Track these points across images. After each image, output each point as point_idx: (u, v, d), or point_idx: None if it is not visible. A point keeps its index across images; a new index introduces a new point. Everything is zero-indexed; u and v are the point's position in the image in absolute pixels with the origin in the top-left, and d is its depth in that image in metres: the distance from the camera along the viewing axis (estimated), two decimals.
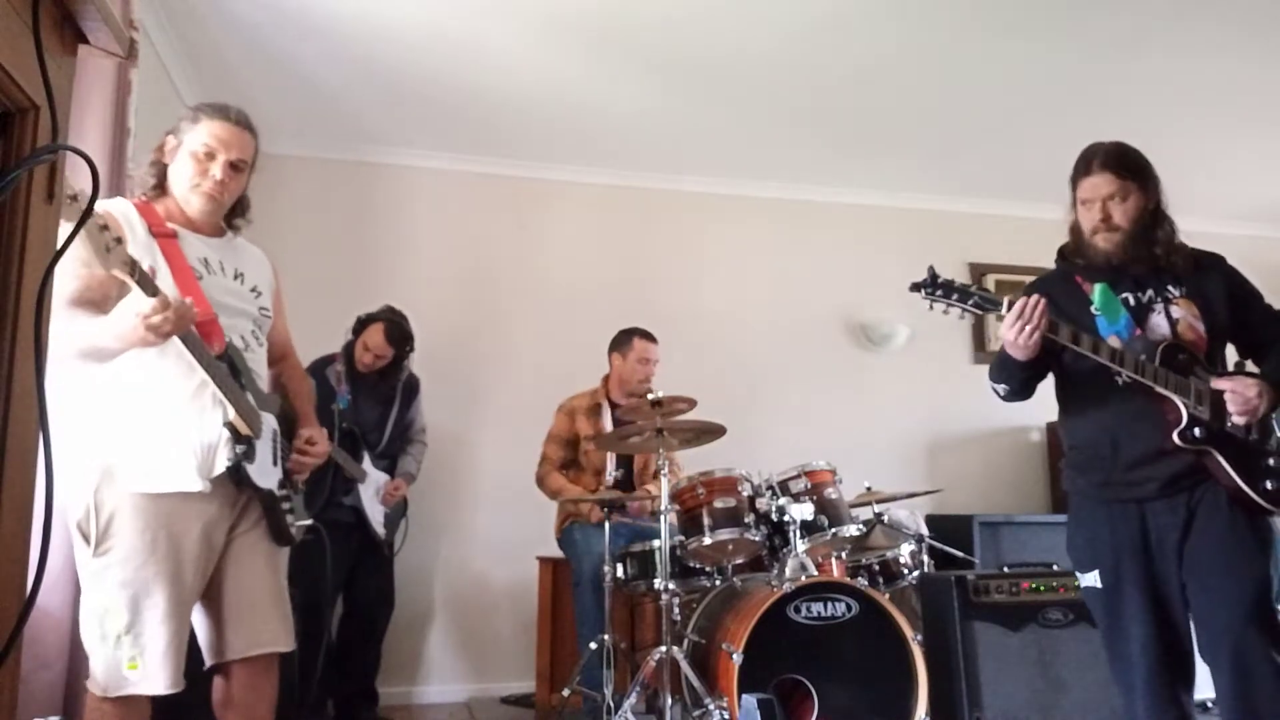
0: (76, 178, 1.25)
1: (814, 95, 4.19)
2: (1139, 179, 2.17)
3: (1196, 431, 2.03)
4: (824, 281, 5.24)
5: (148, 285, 1.73)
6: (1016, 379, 2.22)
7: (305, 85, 4.07)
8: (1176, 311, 2.15)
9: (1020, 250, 5.31)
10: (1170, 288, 2.18)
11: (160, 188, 2.05)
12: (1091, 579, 2.15)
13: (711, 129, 4.54)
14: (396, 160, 4.77)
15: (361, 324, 3.76)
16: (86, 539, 1.85)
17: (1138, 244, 2.16)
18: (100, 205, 1.89)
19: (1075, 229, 2.25)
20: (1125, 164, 2.17)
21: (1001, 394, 2.29)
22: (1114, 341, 2.12)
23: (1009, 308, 2.06)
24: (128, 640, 1.83)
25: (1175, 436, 2.04)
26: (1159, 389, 2.04)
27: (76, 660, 2.36)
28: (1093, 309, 2.17)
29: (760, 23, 3.58)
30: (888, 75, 4.00)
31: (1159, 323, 2.14)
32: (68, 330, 1.78)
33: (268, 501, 2.03)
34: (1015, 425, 5.30)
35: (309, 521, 2.18)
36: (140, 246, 1.91)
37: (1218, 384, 2.04)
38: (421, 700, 4.33)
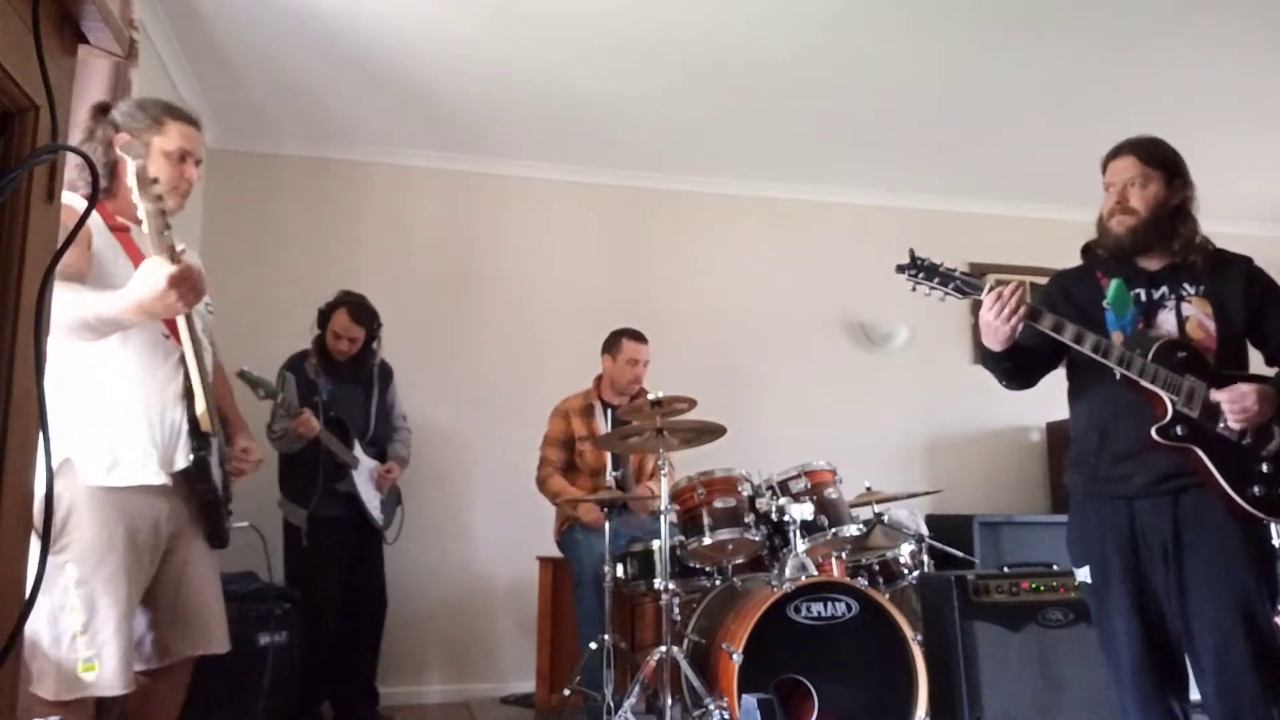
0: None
1: (814, 95, 4.18)
2: (1163, 170, 2.16)
3: (1178, 429, 2.01)
4: (824, 281, 5.23)
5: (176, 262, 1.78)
6: (997, 368, 2.21)
7: (304, 85, 4.07)
8: (1188, 309, 2.13)
9: (1020, 250, 5.31)
10: (1186, 285, 2.15)
11: (111, 189, 1.98)
12: (1083, 575, 2.15)
13: (711, 128, 4.54)
14: (394, 160, 4.76)
15: (324, 314, 3.76)
16: (39, 534, 1.81)
17: (1149, 233, 2.14)
18: (63, 198, 1.91)
19: (1100, 217, 2.24)
20: (1151, 153, 2.17)
21: (1002, 383, 2.28)
22: (1116, 337, 2.11)
23: (989, 292, 2.06)
24: (83, 640, 1.78)
25: (1153, 432, 2.02)
26: (1143, 383, 2.02)
27: None
28: (1104, 303, 2.16)
29: (759, 22, 3.57)
30: (888, 75, 4.00)
31: (1167, 319, 2.13)
32: (68, 302, 1.72)
33: (212, 500, 2.00)
34: (1015, 425, 5.30)
35: (245, 524, 2.18)
36: (104, 241, 1.92)
37: (1215, 395, 2.01)
38: (421, 700, 4.33)
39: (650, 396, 3.23)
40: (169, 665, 1.98)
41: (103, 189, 1.97)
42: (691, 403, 3.26)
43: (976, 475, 5.17)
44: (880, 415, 5.15)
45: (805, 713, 2.91)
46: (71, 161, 2.02)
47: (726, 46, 3.75)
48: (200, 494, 1.98)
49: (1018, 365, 2.20)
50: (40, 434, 0.98)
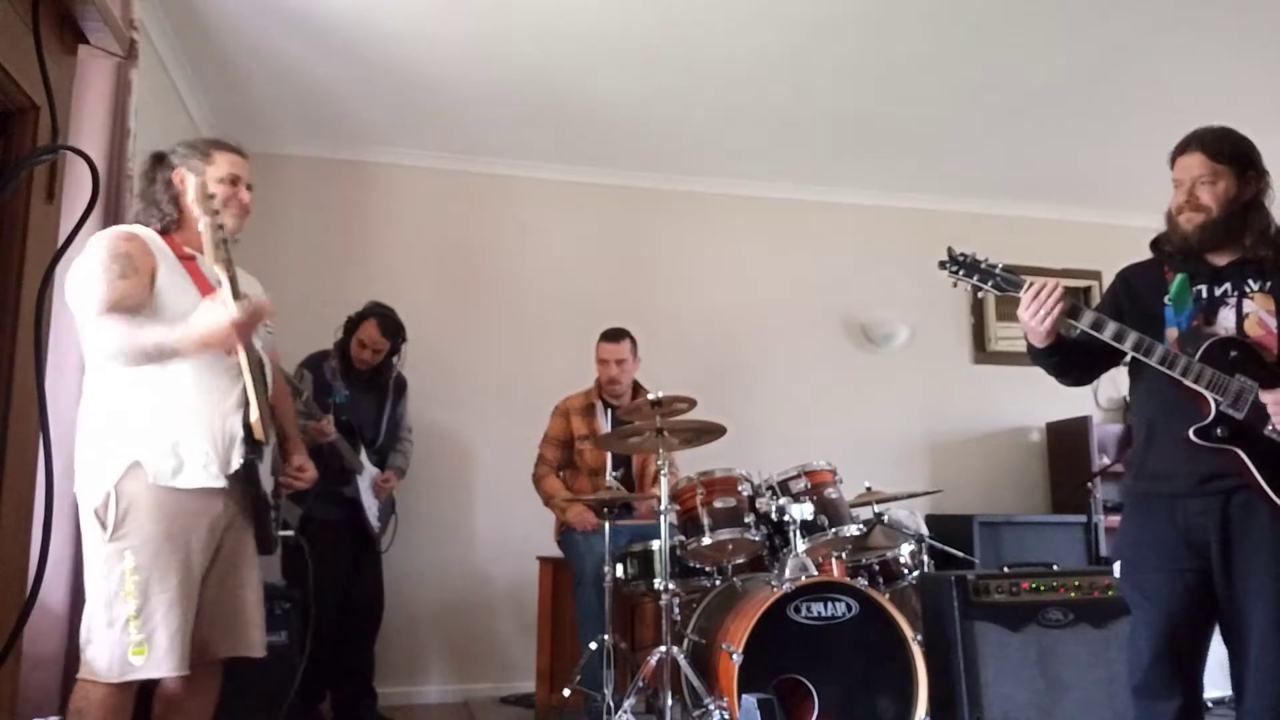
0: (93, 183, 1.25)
1: (814, 95, 4.18)
2: (1234, 166, 2.07)
3: (1219, 431, 1.97)
4: (824, 281, 5.23)
5: (235, 288, 1.95)
6: (1044, 363, 2.19)
7: (304, 85, 4.07)
8: (1248, 306, 2.05)
9: (1020, 250, 5.29)
10: (1251, 281, 2.07)
11: (179, 220, 2.17)
12: (1118, 570, 2.13)
13: (711, 128, 4.53)
14: (395, 160, 4.76)
15: (353, 323, 3.79)
16: (103, 525, 1.91)
17: (1218, 231, 2.06)
18: (131, 229, 2.10)
19: (1169, 212, 2.16)
20: (1221, 148, 2.08)
21: (1054, 377, 2.26)
22: (1171, 333, 2.08)
23: (1026, 289, 2.05)
24: (135, 625, 1.89)
25: (1191, 433, 1.98)
26: (1186, 382, 1.98)
27: (74, 659, 2.36)
28: (1165, 299, 2.12)
29: (761, 23, 3.57)
30: (887, 75, 4.00)
31: (1226, 316, 2.07)
32: (125, 332, 1.91)
33: (262, 506, 2.12)
34: (1015, 425, 5.29)
35: (290, 532, 2.29)
36: (171, 268, 2.07)
37: (1264, 395, 1.96)
38: (421, 700, 4.33)
39: (650, 396, 3.23)
40: (202, 666, 2.04)
41: (173, 222, 2.17)
42: (691, 403, 3.26)
43: (976, 475, 5.17)
44: (880, 415, 5.14)
45: (805, 713, 2.90)
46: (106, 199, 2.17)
47: (726, 46, 3.75)
48: (248, 497, 2.10)
49: (1066, 361, 2.18)
50: (40, 435, 0.98)
